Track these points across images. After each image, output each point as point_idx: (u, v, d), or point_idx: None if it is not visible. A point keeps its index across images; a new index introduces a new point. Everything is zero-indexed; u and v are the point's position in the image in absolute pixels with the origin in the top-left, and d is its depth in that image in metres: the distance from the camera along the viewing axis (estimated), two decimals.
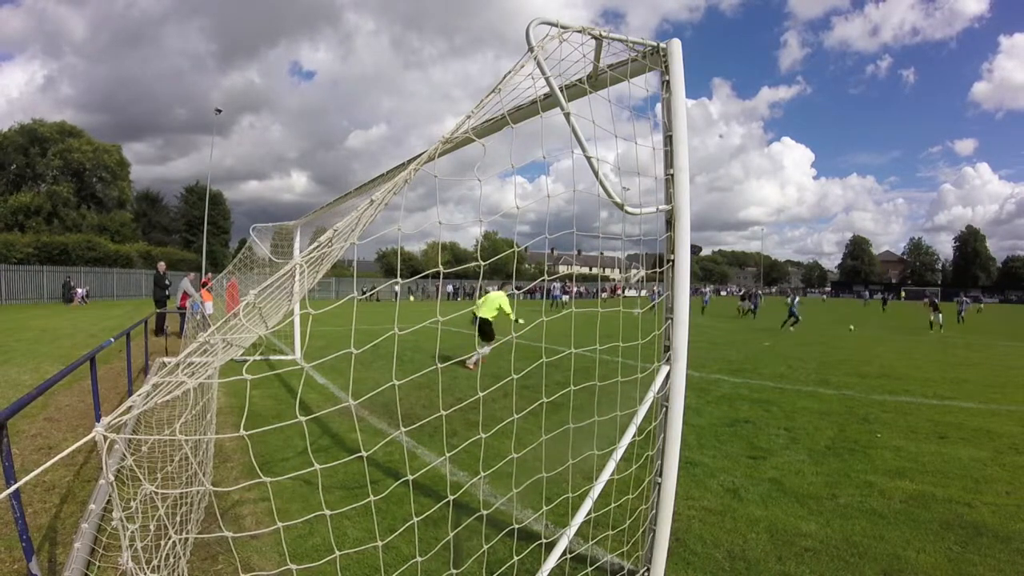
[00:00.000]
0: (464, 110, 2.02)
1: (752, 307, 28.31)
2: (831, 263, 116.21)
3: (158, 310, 12.35)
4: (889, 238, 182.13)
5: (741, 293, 38.91)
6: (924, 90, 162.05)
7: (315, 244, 1.81)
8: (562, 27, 2.06)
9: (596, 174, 2.13)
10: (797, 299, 21.52)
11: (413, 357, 9.87)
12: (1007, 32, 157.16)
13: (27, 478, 1.45)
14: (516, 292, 2.75)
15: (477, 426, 2.10)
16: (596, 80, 2.42)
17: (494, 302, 8.77)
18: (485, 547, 2.51)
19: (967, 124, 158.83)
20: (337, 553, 1.88)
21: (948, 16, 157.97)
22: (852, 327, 20.18)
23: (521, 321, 7.72)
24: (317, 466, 1.74)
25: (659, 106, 2.46)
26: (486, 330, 8.62)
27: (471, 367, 8.12)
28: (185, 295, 12.49)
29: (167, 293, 13.31)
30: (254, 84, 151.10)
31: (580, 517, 2.34)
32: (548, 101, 2.31)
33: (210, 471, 3.84)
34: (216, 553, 2.90)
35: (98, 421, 1.38)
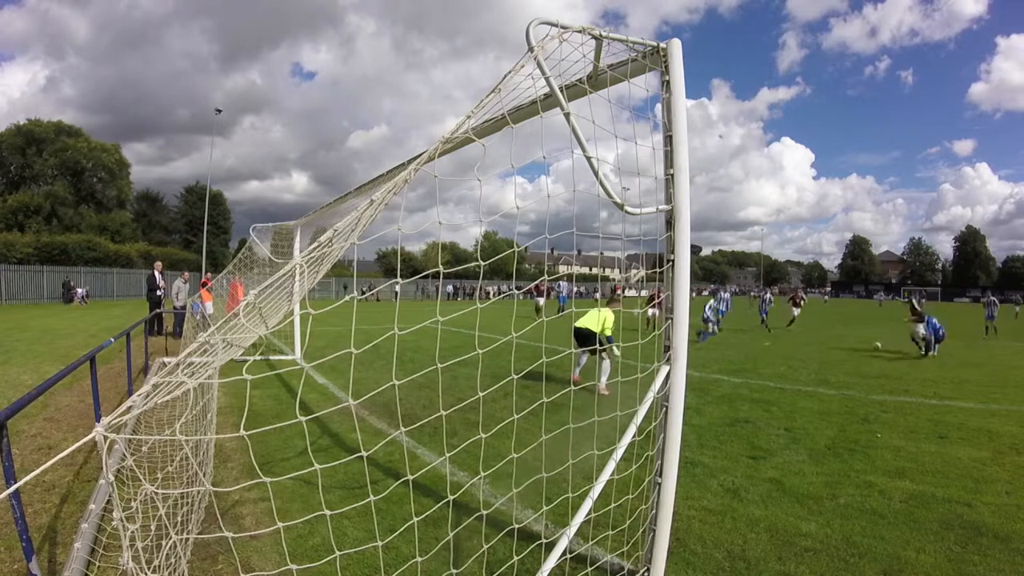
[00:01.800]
0: (465, 111, 2.03)
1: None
2: (831, 263, 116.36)
3: (154, 311, 12.36)
4: (888, 238, 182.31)
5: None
6: (923, 91, 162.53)
7: (315, 244, 1.81)
8: (562, 27, 2.06)
9: (596, 174, 2.13)
10: (937, 327, 11.96)
11: (413, 357, 9.87)
12: (1004, 34, 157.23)
13: (27, 478, 1.45)
14: (516, 293, 2.75)
15: (477, 426, 2.10)
16: (596, 80, 2.42)
17: (601, 316, 7.38)
18: (485, 547, 2.51)
19: (966, 125, 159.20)
20: (337, 553, 1.88)
21: (946, 17, 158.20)
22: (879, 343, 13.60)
23: (617, 353, 6.43)
24: (317, 466, 1.74)
25: (659, 106, 2.46)
26: (585, 342, 7.30)
27: (604, 391, 6.50)
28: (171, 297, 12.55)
29: (159, 295, 13.30)
30: (256, 85, 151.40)
31: (580, 517, 2.34)
32: (548, 101, 2.31)
33: (210, 471, 3.84)
34: (216, 553, 2.90)
35: (98, 421, 1.38)
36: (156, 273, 13.40)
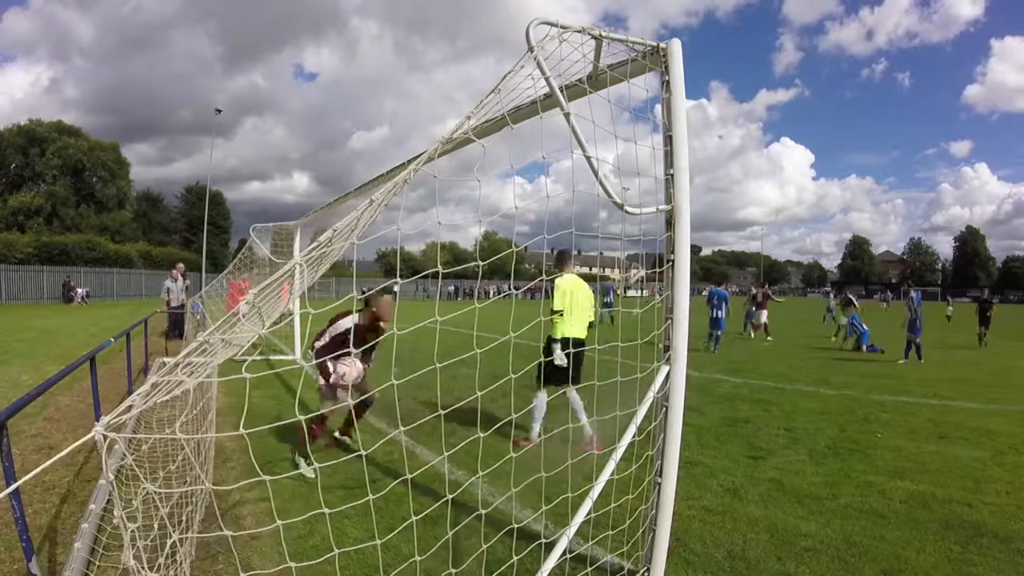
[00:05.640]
0: (466, 112, 2.03)
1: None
2: (830, 263, 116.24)
3: (170, 309, 12.30)
4: (887, 238, 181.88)
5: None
6: (920, 93, 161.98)
7: (315, 244, 1.81)
8: (562, 27, 2.06)
9: (596, 174, 2.13)
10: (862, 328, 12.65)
11: (412, 357, 9.87)
12: (998, 36, 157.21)
13: (26, 477, 1.45)
14: (516, 292, 2.74)
15: (476, 425, 2.11)
16: (596, 80, 2.42)
17: (586, 301, 4.80)
18: (484, 546, 2.51)
19: (962, 126, 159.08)
20: (336, 552, 1.88)
21: (943, 20, 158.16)
22: None
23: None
24: (317, 465, 1.74)
25: (659, 106, 2.46)
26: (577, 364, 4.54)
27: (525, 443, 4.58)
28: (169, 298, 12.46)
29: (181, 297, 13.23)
30: (258, 86, 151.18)
31: (580, 517, 2.34)
32: (548, 101, 2.31)
33: (210, 471, 3.84)
34: (216, 553, 2.90)
35: (98, 421, 1.38)
36: (178, 276, 13.28)
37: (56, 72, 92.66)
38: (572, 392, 4.57)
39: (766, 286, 17.71)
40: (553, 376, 4.55)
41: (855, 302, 14.06)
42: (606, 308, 13.85)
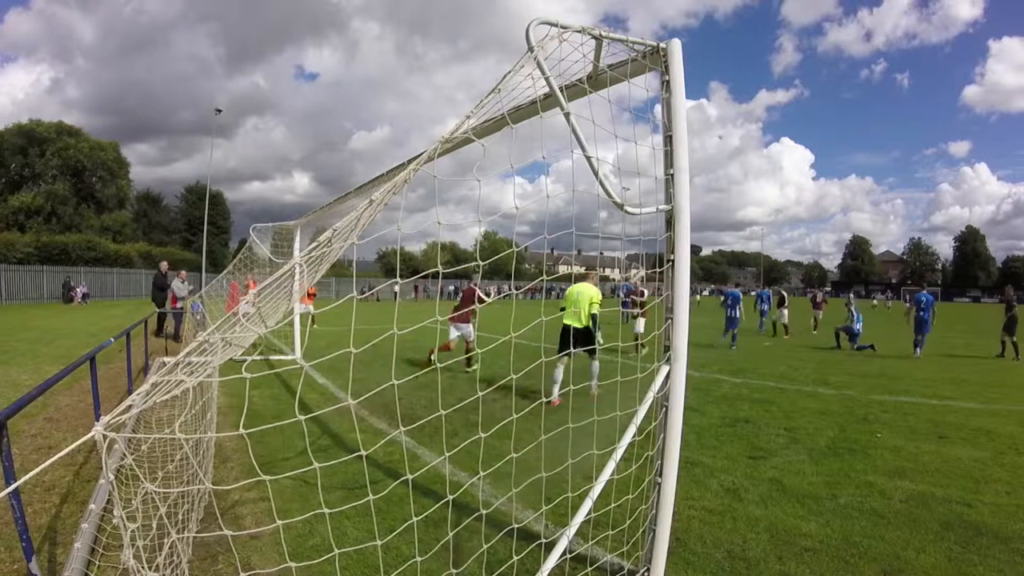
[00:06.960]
0: (466, 112, 2.03)
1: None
2: (830, 263, 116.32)
3: (158, 310, 12.29)
4: (887, 238, 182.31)
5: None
6: (919, 93, 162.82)
7: (314, 244, 1.81)
8: (562, 27, 2.06)
9: (596, 174, 2.13)
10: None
11: (413, 357, 9.88)
12: (995, 36, 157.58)
13: (26, 477, 1.45)
14: (516, 292, 2.74)
15: (477, 426, 2.10)
16: (596, 80, 2.42)
17: (585, 298, 6.39)
18: (485, 547, 2.51)
19: (962, 126, 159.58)
20: (336, 552, 1.88)
21: (943, 20, 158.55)
22: None
23: (600, 339, 6.13)
24: (317, 465, 1.74)
25: (659, 107, 2.46)
26: (576, 341, 6.14)
27: (595, 391, 5.75)
28: (175, 297, 12.43)
29: (166, 294, 13.23)
30: (259, 87, 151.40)
31: (580, 517, 2.34)
32: (548, 101, 2.31)
33: (210, 470, 3.84)
34: (216, 553, 2.90)
35: (98, 421, 1.38)
36: (167, 274, 13.26)
37: (57, 72, 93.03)
38: (593, 362, 6.46)
39: (822, 290, 20.00)
40: (562, 350, 6.37)
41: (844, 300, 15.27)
42: (625, 307, 14.21)
